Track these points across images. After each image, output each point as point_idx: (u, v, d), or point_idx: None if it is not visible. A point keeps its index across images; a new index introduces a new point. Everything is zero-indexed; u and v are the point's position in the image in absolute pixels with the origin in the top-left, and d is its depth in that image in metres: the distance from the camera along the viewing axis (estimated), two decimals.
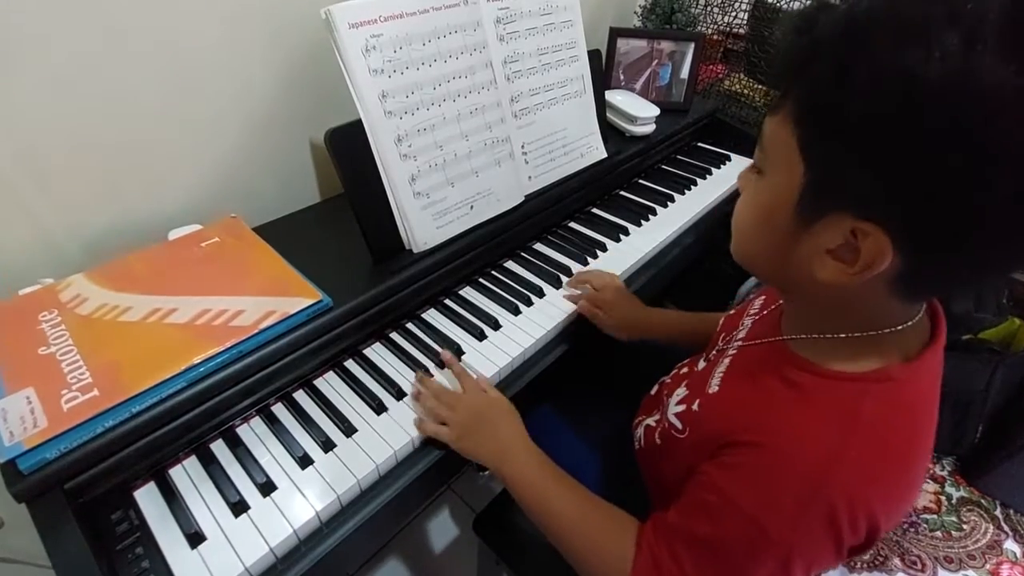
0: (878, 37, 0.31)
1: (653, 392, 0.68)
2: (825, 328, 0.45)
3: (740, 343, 0.55)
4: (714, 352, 0.59)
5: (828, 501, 0.39)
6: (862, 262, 0.37)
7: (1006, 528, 1.25)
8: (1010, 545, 1.22)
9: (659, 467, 0.57)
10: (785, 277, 0.45)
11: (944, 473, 1.34)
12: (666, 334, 0.79)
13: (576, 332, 0.79)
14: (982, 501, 1.29)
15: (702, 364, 0.59)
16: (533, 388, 0.73)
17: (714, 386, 0.52)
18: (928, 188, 0.33)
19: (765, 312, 0.57)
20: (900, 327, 0.42)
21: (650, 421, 0.62)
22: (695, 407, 0.53)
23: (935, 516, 1.26)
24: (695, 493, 0.46)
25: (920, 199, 0.33)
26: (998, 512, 1.27)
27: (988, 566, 1.18)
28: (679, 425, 0.53)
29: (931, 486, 1.32)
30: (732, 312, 0.65)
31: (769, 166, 0.42)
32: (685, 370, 0.62)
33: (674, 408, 0.55)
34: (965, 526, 1.25)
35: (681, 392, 0.57)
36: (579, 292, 0.81)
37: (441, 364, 0.70)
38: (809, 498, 0.39)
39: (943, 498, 1.30)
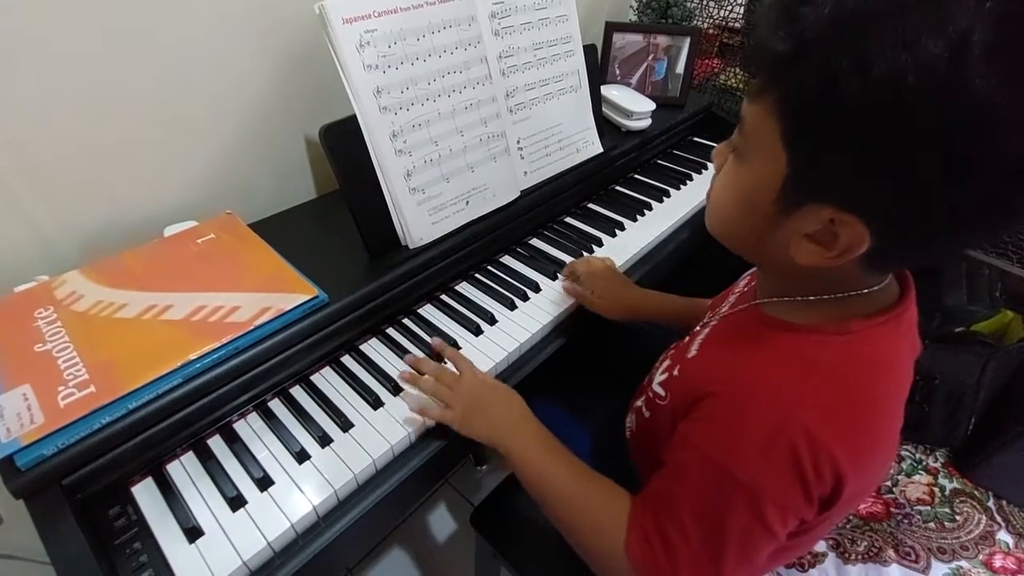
0: (868, 40, 0.32)
1: (644, 382, 0.69)
2: (795, 292, 0.47)
3: (722, 315, 0.57)
4: (698, 327, 0.60)
5: (789, 441, 0.40)
6: (840, 247, 0.39)
7: (999, 519, 1.26)
8: (1003, 536, 1.23)
9: (649, 444, 0.58)
10: (760, 253, 0.47)
11: (937, 465, 1.35)
12: (658, 316, 0.80)
13: (573, 326, 0.80)
14: (975, 492, 1.30)
15: (687, 339, 0.61)
16: (531, 382, 0.73)
17: (693, 351, 0.54)
18: (909, 187, 0.34)
19: (747, 288, 0.59)
20: (866, 291, 0.44)
21: (639, 403, 0.63)
22: (675, 372, 0.55)
23: (928, 508, 1.27)
24: (671, 455, 0.48)
25: (900, 196, 0.35)
26: (991, 503, 1.29)
27: (981, 556, 1.19)
28: (662, 393, 0.55)
29: (924, 478, 1.33)
30: (721, 294, 0.66)
31: (750, 153, 0.43)
32: (673, 351, 0.63)
33: (658, 378, 0.57)
34: (958, 517, 1.26)
35: (665, 365, 0.58)
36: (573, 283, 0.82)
37: (434, 355, 0.70)
38: (771, 439, 0.40)
39: (936, 490, 1.31)
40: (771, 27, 0.36)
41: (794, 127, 0.38)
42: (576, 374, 0.88)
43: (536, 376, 0.74)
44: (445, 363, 0.68)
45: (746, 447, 0.42)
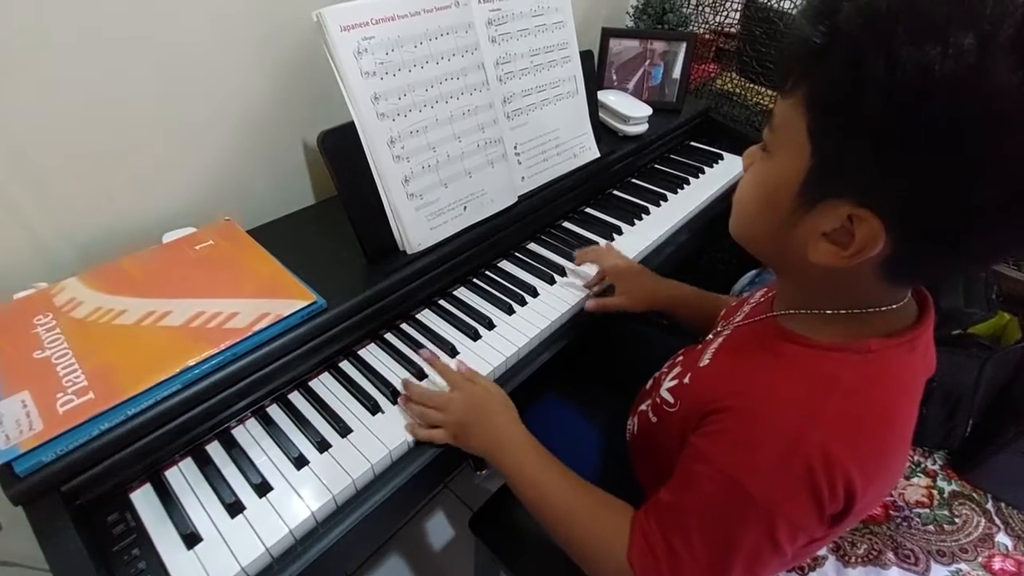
0: (898, 31, 0.32)
1: (648, 386, 0.69)
2: (813, 305, 0.46)
3: (736, 325, 0.57)
4: (711, 335, 0.60)
5: (806, 459, 0.39)
6: (855, 246, 0.38)
7: (997, 521, 1.26)
8: (1002, 538, 1.23)
9: (652, 450, 0.58)
10: (780, 255, 0.47)
11: (936, 467, 1.36)
12: (677, 306, 0.79)
13: (571, 330, 0.80)
14: (974, 495, 1.31)
15: (698, 347, 0.60)
16: (531, 384, 0.74)
17: (705, 360, 0.54)
18: (929, 182, 0.34)
19: (762, 299, 0.59)
20: (885, 308, 0.44)
21: (644, 407, 0.62)
22: (686, 380, 0.54)
23: (927, 510, 1.27)
24: (682, 466, 0.47)
25: (920, 192, 0.35)
26: (989, 505, 1.29)
27: (980, 559, 1.19)
28: (671, 399, 0.55)
29: (923, 480, 1.33)
30: (734, 302, 0.66)
31: (777, 147, 0.43)
32: (680, 358, 0.63)
33: (667, 384, 0.57)
34: (957, 520, 1.26)
35: (675, 372, 0.58)
36: (591, 275, 0.83)
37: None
38: (787, 456, 0.40)
39: (935, 492, 1.31)
40: (811, 21, 0.37)
41: (820, 117, 0.38)
42: (581, 373, 0.88)
43: (541, 374, 0.74)
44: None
45: (761, 463, 0.41)
